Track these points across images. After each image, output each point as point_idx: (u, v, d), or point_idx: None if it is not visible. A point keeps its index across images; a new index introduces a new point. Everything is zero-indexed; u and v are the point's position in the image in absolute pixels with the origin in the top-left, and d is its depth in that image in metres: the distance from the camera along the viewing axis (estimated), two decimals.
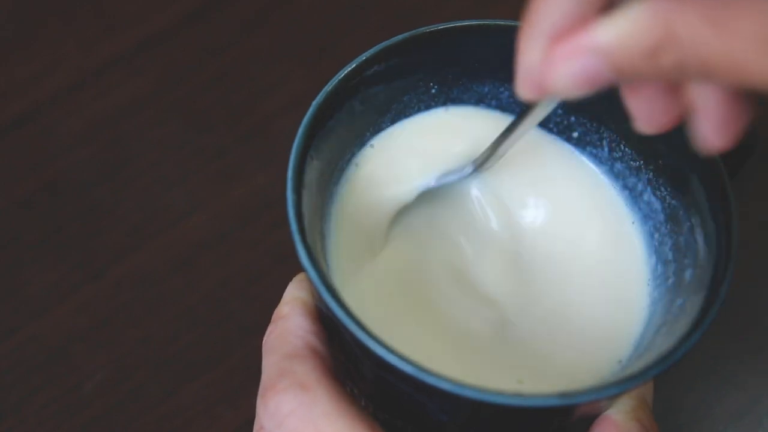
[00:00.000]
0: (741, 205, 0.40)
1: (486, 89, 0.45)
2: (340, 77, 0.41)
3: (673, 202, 0.42)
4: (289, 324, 0.39)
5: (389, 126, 0.44)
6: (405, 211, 0.43)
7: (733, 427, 0.52)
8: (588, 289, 0.42)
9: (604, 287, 0.43)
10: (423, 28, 0.42)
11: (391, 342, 0.35)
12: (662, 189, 0.43)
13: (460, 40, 0.43)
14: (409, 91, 0.44)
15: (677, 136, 0.41)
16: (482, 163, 0.42)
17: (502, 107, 0.45)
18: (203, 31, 0.64)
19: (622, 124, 0.43)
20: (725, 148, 0.33)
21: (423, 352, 0.38)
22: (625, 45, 0.30)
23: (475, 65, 0.44)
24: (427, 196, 0.44)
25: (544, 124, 0.45)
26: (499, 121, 0.45)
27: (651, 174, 0.43)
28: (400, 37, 0.42)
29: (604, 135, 0.44)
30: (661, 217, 0.43)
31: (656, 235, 0.43)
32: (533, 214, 0.44)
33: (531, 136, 0.45)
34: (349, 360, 0.39)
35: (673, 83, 0.32)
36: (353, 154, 0.43)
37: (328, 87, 0.40)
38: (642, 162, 0.43)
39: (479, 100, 0.45)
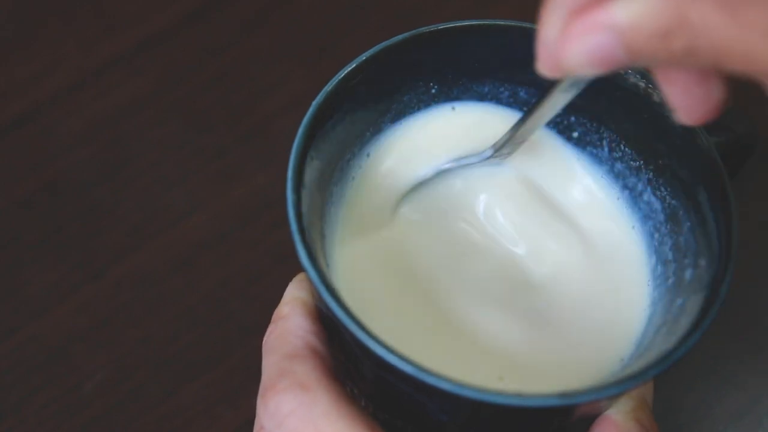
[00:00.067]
0: (741, 205, 0.40)
1: (486, 89, 0.45)
2: (340, 77, 0.41)
3: (673, 202, 0.42)
4: (289, 324, 0.39)
5: (392, 126, 0.44)
6: (410, 208, 0.43)
7: (733, 427, 0.52)
8: (588, 289, 0.42)
9: (604, 287, 0.43)
10: (423, 28, 0.42)
11: (392, 342, 0.35)
12: (662, 189, 0.43)
13: (460, 40, 0.43)
14: (409, 91, 0.44)
15: (677, 136, 0.41)
16: (501, 147, 0.42)
17: (502, 107, 0.45)
18: (203, 31, 0.64)
19: (622, 124, 0.43)
20: (696, 124, 0.33)
21: (423, 351, 0.38)
22: (638, 25, 0.30)
23: (475, 65, 0.44)
24: (433, 197, 0.44)
25: (544, 125, 0.45)
26: (506, 119, 0.45)
27: (651, 174, 0.43)
28: (400, 37, 0.42)
29: (604, 135, 0.44)
30: (661, 217, 0.43)
31: (656, 235, 0.43)
32: (534, 214, 0.44)
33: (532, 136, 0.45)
34: (349, 360, 0.39)
35: (684, 69, 0.32)
36: (353, 155, 0.43)
37: (328, 87, 0.40)
38: (642, 162, 0.43)
39: (479, 100, 0.45)
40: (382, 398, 0.40)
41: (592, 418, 0.39)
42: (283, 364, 0.38)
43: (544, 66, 0.34)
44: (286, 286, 0.41)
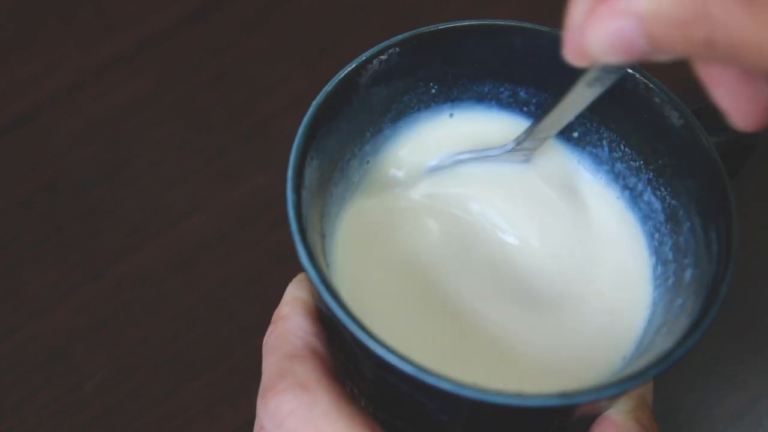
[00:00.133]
0: (741, 205, 0.40)
1: (486, 89, 0.45)
2: (340, 77, 0.41)
3: (673, 202, 0.42)
4: (289, 324, 0.39)
5: (392, 125, 0.44)
6: (410, 208, 0.44)
7: (733, 427, 0.52)
8: (588, 290, 0.42)
9: (605, 289, 0.43)
10: (423, 28, 0.42)
11: (392, 342, 0.35)
12: (662, 189, 0.43)
13: (460, 40, 0.43)
14: (409, 91, 0.44)
15: (677, 136, 0.41)
16: (522, 140, 0.42)
17: (502, 107, 0.45)
18: (203, 31, 0.64)
19: (622, 124, 0.43)
20: (752, 129, 0.33)
21: (423, 351, 0.38)
22: (659, 12, 0.30)
23: (475, 65, 0.44)
24: (434, 197, 0.44)
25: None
26: (504, 126, 0.45)
27: (651, 174, 0.43)
28: (400, 37, 0.42)
29: (604, 135, 0.44)
30: (661, 217, 0.43)
31: (656, 235, 0.43)
32: (534, 215, 0.44)
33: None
34: (349, 360, 0.39)
35: (704, 62, 0.32)
36: (353, 155, 0.43)
37: (328, 87, 0.40)
38: (642, 162, 0.43)
39: (479, 100, 0.45)
40: (382, 398, 0.40)
41: (592, 418, 0.39)
42: (283, 365, 0.38)
43: (569, 52, 0.34)
44: (286, 286, 0.41)
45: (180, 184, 0.58)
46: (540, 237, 0.44)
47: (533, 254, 0.43)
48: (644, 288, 0.42)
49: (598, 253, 0.43)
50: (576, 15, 0.33)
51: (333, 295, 0.36)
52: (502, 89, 0.45)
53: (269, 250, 0.56)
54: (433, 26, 0.42)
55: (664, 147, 0.42)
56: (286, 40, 0.64)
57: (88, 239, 0.56)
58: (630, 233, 0.44)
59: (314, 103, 0.40)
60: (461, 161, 0.44)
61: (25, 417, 0.52)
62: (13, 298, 0.55)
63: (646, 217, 0.44)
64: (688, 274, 0.40)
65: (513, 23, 0.43)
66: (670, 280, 0.41)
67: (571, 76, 0.43)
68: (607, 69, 0.36)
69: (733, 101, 0.33)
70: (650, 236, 0.43)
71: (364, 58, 0.41)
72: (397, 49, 0.42)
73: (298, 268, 0.38)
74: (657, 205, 0.43)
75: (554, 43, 0.42)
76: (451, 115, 0.45)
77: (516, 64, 0.43)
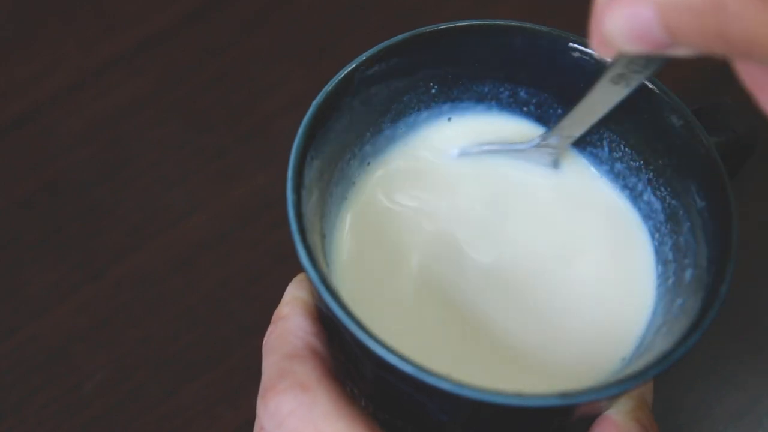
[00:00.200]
0: (741, 205, 0.40)
1: (486, 89, 0.45)
2: (340, 77, 0.41)
3: (673, 202, 0.42)
4: (289, 324, 0.39)
5: (392, 125, 0.44)
6: (411, 208, 0.44)
7: (733, 427, 0.52)
8: (588, 290, 0.42)
9: (605, 288, 0.43)
10: (423, 28, 0.42)
11: (392, 342, 0.35)
12: (662, 189, 0.43)
13: (460, 40, 0.43)
14: (409, 91, 0.44)
15: (677, 136, 0.41)
16: (548, 137, 0.42)
17: (502, 107, 0.45)
18: (203, 31, 0.64)
19: (622, 124, 0.43)
20: None
21: (423, 351, 0.38)
22: (675, 2, 0.30)
23: (475, 65, 0.44)
24: (435, 197, 0.44)
25: (545, 124, 0.45)
26: (502, 131, 0.45)
27: (651, 174, 0.43)
28: (400, 37, 0.42)
29: (604, 135, 0.44)
30: (661, 217, 0.43)
31: (656, 235, 0.43)
32: (534, 214, 0.44)
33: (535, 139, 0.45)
34: (349, 360, 0.39)
35: (720, 56, 0.32)
36: (354, 156, 0.43)
37: (328, 87, 0.40)
38: (642, 162, 0.43)
39: (479, 100, 0.45)
40: (382, 398, 0.40)
41: (592, 418, 0.39)
42: (283, 365, 0.38)
43: (593, 40, 0.34)
44: (286, 286, 0.41)
45: (180, 184, 0.58)
46: (540, 237, 0.44)
47: (533, 255, 0.43)
48: (644, 288, 0.42)
49: (598, 253, 0.43)
50: (600, 1, 0.33)
51: (333, 295, 0.36)
52: (502, 89, 0.45)
53: (269, 250, 0.56)
54: (433, 26, 0.42)
55: (664, 147, 0.42)
56: (286, 40, 0.64)
57: (88, 239, 0.56)
58: (630, 233, 0.44)
59: (314, 103, 0.40)
60: (488, 151, 0.44)
61: (25, 417, 0.52)
62: (13, 298, 0.55)
63: (646, 217, 0.44)
64: (688, 274, 0.40)
65: (513, 23, 0.43)
66: (670, 280, 0.41)
67: (571, 75, 0.43)
68: (631, 66, 0.36)
69: None
70: (650, 236, 0.43)
71: (364, 58, 0.41)
72: (397, 49, 0.42)
73: (298, 268, 0.38)
74: (657, 205, 0.43)
75: (554, 43, 0.43)
76: (450, 119, 0.45)
77: (516, 64, 0.43)
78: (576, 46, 0.42)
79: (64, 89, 0.61)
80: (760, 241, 0.57)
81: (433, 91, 0.44)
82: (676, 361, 0.36)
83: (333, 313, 0.36)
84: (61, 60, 0.62)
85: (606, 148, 0.44)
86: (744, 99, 0.36)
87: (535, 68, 0.43)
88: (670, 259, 0.42)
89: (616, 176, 0.44)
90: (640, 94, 0.42)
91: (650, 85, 0.41)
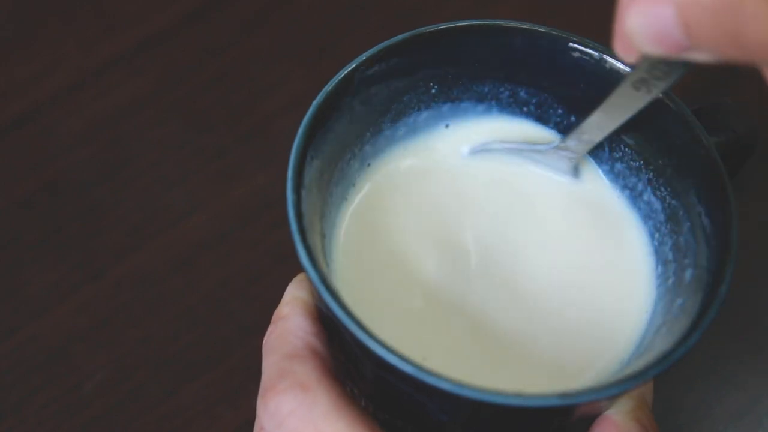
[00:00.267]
0: (741, 205, 0.40)
1: (486, 89, 0.45)
2: (340, 77, 0.41)
3: (673, 202, 0.42)
4: (289, 324, 0.39)
5: (392, 126, 0.44)
6: (412, 206, 0.44)
7: (733, 427, 0.52)
8: (588, 290, 0.42)
9: (605, 288, 0.43)
10: (423, 28, 0.42)
11: (392, 342, 0.35)
12: (662, 189, 0.43)
13: (460, 40, 0.43)
14: (409, 91, 0.44)
15: (677, 136, 0.41)
16: (566, 139, 0.42)
17: (501, 107, 0.45)
18: (203, 31, 0.64)
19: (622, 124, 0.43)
20: None
21: (423, 351, 0.38)
22: (694, 1, 0.30)
23: (475, 65, 0.44)
24: (437, 197, 0.44)
25: (545, 124, 0.45)
26: (501, 135, 0.45)
27: (651, 174, 0.43)
28: (400, 37, 0.42)
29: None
30: (661, 217, 0.43)
31: (656, 235, 0.43)
32: (534, 214, 0.44)
33: (536, 139, 0.45)
34: (349, 360, 0.39)
35: (738, 62, 0.32)
36: (354, 156, 0.43)
37: (328, 87, 0.40)
38: (642, 162, 0.43)
39: (479, 100, 0.45)
40: (382, 398, 0.40)
41: (592, 418, 0.39)
42: (283, 365, 0.38)
43: (616, 41, 0.34)
44: (286, 286, 0.41)
45: (180, 184, 0.58)
46: (540, 238, 0.44)
47: (533, 255, 0.43)
48: (644, 288, 0.42)
49: (598, 254, 0.43)
50: (623, 1, 0.33)
51: (333, 295, 0.36)
52: (502, 89, 0.45)
53: (269, 250, 0.56)
54: (433, 26, 0.42)
55: (664, 147, 0.42)
56: (286, 40, 0.64)
57: (88, 239, 0.56)
58: (630, 233, 0.44)
59: (314, 103, 0.40)
60: (502, 151, 0.44)
61: (25, 417, 0.52)
62: (13, 298, 0.55)
63: (646, 217, 0.44)
64: (688, 274, 0.40)
65: (513, 23, 0.43)
66: (670, 280, 0.41)
67: (571, 75, 0.43)
68: (653, 71, 0.36)
69: None
70: (650, 236, 0.43)
71: (364, 58, 0.41)
72: (397, 49, 0.42)
73: (298, 268, 0.38)
74: (657, 205, 0.43)
75: (554, 43, 0.43)
76: (447, 125, 0.45)
77: (516, 64, 0.43)
78: (576, 46, 0.42)
79: (64, 89, 0.61)
80: (760, 241, 0.57)
81: (433, 91, 0.44)
82: (676, 361, 0.36)
83: (333, 313, 0.36)
84: (61, 60, 0.62)
85: (606, 148, 0.44)
86: (744, 99, 0.36)
87: (535, 68, 0.43)
88: (670, 259, 0.42)
89: (616, 176, 0.44)
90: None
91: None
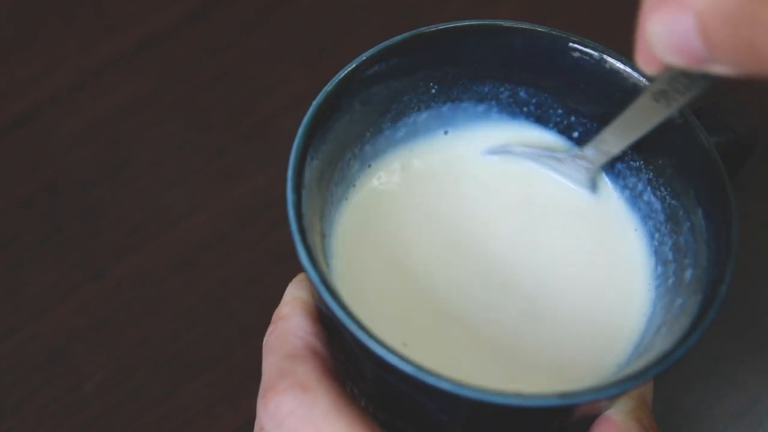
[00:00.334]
0: (741, 205, 0.40)
1: (486, 89, 0.45)
2: (340, 77, 0.41)
3: (673, 202, 0.42)
4: (290, 324, 0.39)
5: (392, 126, 0.44)
6: (412, 207, 0.44)
7: (733, 427, 0.52)
8: (588, 290, 0.42)
9: (605, 288, 0.43)
10: (423, 28, 0.42)
11: (392, 342, 0.35)
12: (662, 189, 0.43)
13: (460, 40, 0.43)
14: (409, 91, 0.44)
15: (677, 136, 0.41)
16: (585, 148, 0.42)
17: (501, 107, 0.45)
18: (203, 31, 0.64)
19: None
20: None
21: (423, 351, 0.38)
22: (714, 7, 0.30)
23: (475, 65, 0.44)
24: (438, 197, 0.44)
25: (545, 125, 0.45)
26: (500, 141, 0.45)
27: (651, 174, 0.43)
28: (400, 37, 0.42)
29: None
30: (661, 217, 0.43)
31: (656, 235, 0.43)
32: (534, 213, 0.44)
33: (536, 139, 0.45)
34: (349, 360, 0.39)
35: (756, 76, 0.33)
36: (354, 156, 0.43)
37: (328, 87, 0.40)
38: (642, 162, 0.43)
39: (479, 100, 0.45)
40: (382, 398, 0.40)
41: (592, 418, 0.39)
42: (283, 365, 0.38)
43: (637, 53, 0.34)
44: (286, 286, 0.41)
45: (180, 184, 0.58)
46: (540, 239, 0.44)
47: (534, 255, 0.43)
48: (644, 288, 0.42)
49: (598, 254, 0.43)
50: (644, 9, 0.33)
51: (333, 295, 0.36)
52: (502, 89, 0.45)
53: (269, 250, 0.56)
54: (433, 26, 0.42)
55: (664, 147, 0.42)
56: (286, 40, 0.64)
57: (88, 239, 0.56)
58: (630, 233, 0.44)
59: (314, 103, 0.40)
60: (524, 153, 0.44)
61: (25, 417, 0.52)
62: (13, 298, 0.55)
63: (646, 217, 0.44)
64: (688, 274, 0.40)
65: (513, 23, 0.43)
66: (670, 280, 0.41)
67: (571, 75, 0.43)
68: (673, 83, 0.36)
69: None
70: (650, 236, 0.43)
71: (364, 58, 0.41)
72: (397, 49, 0.42)
73: (298, 268, 0.38)
74: (657, 205, 0.43)
75: (554, 43, 0.43)
76: (446, 132, 0.45)
77: (516, 64, 0.43)
78: (576, 46, 0.42)
79: (64, 89, 0.61)
80: (760, 241, 0.57)
81: (433, 91, 0.44)
82: (676, 361, 0.36)
83: (333, 313, 0.36)
84: (61, 60, 0.62)
85: None
86: (744, 99, 0.36)
87: (535, 68, 0.43)
88: (670, 259, 0.42)
89: (616, 176, 0.44)
90: (640, 94, 0.42)
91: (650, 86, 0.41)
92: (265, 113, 0.61)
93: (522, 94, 0.45)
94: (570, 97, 0.44)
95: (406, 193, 0.44)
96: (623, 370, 0.39)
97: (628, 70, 0.42)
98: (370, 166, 0.44)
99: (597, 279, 0.43)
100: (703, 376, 0.53)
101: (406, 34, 0.42)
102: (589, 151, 0.43)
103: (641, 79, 0.42)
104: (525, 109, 0.45)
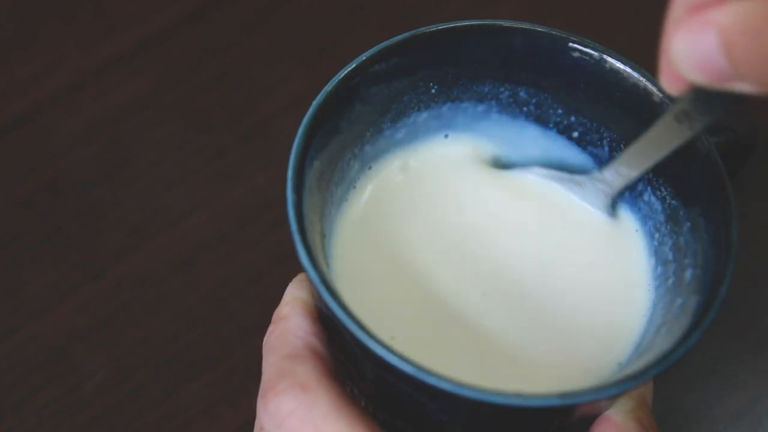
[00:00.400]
0: (741, 205, 0.40)
1: (486, 89, 0.45)
2: (340, 77, 0.41)
3: (673, 202, 0.42)
4: (290, 324, 0.39)
5: (392, 126, 0.44)
6: (413, 207, 0.44)
7: (733, 427, 0.52)
8: (588, 291, 0.42)
9: (605, 288, 0.43)
10: (423, 28, 0.42)
11: (392, 342, 0.35)
12: (662, 189, 0.43)
13: (460, 40, 0.43)
14: (409, 91, 0.44)
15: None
16: (604, 170, 0.42)
17: (501, 107, 0.45)
18: (203, 31, 0.64)
19: (622, 124, 0.43)
20: None
21: (424, 351, 0.38)
22: (738, 24, 0.30)
23: (475, 65, 0.44)
24: (439, 197, 0.44)
25: (545, 125, 0.45)
26: (500, 145, 0.45)
27: (651, 174, 0.43)
28: (400, 37, 0.42)
29: (605, 135, 0.44)
30: (661, 217, 0.43)
31: (656, 235, 0.43)
32: (537, 217, 0.44)
33: (535, 140, 0.45)
34: (349, 360, 0.39)
35: None
36: (354, 156, 0.43)
37: (328, 87, 0.40)
38: None
39: (479, 100, 0.45)
40: (382, 398, 0.40)
41: (592, 418, 0.39)
42: (283, 365, 0.38)
43: (661, 72, 0.34)
44: (286, 286, 0.41)
45: (180, 184, 0.58)
46: (541, 239, 0.44)
47: (533, 255, 0.43)
48: (644, 288, 0.42)
49: (598, 253, 0.43)
50: (668, 27, 0.33)
51: (333, 295, 0.36)
52: (502, 89, 0.45)
53: (269, 250, 0.56)
54: (433, 26, 0.42)
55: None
56: (286, 40, 0.64)
57: (88, 239, 0.56)
58: (630, 233, 0.44)
59: (314, 103, 0.40)
60: (543, 175, 0.44)
61: (25, 417, 0.52)
62: (13, 298, 0.55)
63: (646, 217, 0.44)
64: (688, 274, 0.40)
65: (513, 23, 0.43)
66: (670, 280, 0.41)
67: (571, 75, 0.43)
68: (696, 104, 0.36)
69: None
70: (650, 236, 0.43)
71: (364, 58, 0.41)
72: (397, 49, 0.42)
73: (298, 268, 0.38)
74: (657, 205, 0.43)
75: (554, 43, 0.43)
76: (446, 136, 0.45)
77: (516, 64, 0.43)
78: (576, 46, 0.42)
79: (64, 89, 0.61)
80: (760, 241, 0.57)
81: (433, 91, 0.44)
82: (676, 361, 0.36)
83: (333, 313, 0.36)
84: (61, 60, 0.62)
85: (606, 148, 0.44)
86: (744, 100, 0.36)
87: (535, 68, 0.43)
88: (670, 259, 0.42)
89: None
90: (640, 94, 0.42)
91: (650, 86, 0.41)
92: (265, 113, 0.61)
93: (522, 94, 0.45)
94: (570, 97, 0.44)
95: (406, 193, 0.44)
96: (623, 370, 0.39)
97: (628, 70, 0.42)
98: (371, 167, 0.44)
99: (597, 279, 0.43)
100: (703, 376, 0.53)
101: (406, 34, 0.42)
102: (608, 173, 0.42)
103: (641, 79, 0.42)
104: (525, 109, 0.45)
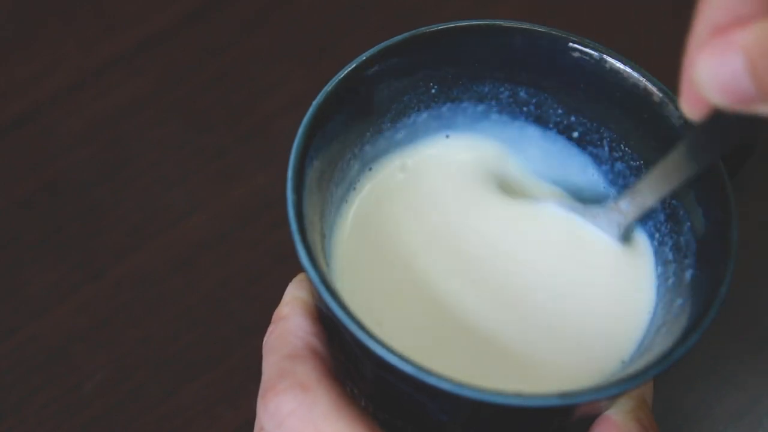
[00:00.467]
0: (741, 205, 0.40)
1: (486, 89, 0.45)
2: (340, 77, 0.41)
3: (673, 202, 0.42)
4: (290, 324, 0.39)
5: (392, 126, 0.44)
6: (413, 207, 0.44)
7: (733, 427, 0.52)
8: (588, 290, 0.42)
9: (605, 289, 0.42)
10: (423, 28, 0.42)
11: (392, 342, 0.35)
12: None
13: (460, 40, 0.43)
14: (409, 91, 0.44)
15: (677, 135, 0.41)
16: (619, 199, 0.42)
17: (501, 107, 0.45)
18: (203, 31, 0.64)
19: (622, 124, 0.43)
20: None
21: (423, 351, 0.38)
22: (762, 45, 0.30)
23: (475, 65, 0.44)
24: (440, 197, 0.44)
25: (545, 125, 0.45)
26: (498, 147, 0.45)
27: None
28: (400, 37, 0.42)
29: (605, 135, 0.44)
30: (661, 217, 0.43)
31: (656, 235, 0.43)
32: (537, 218, 0.44)
33: (536, 139, 0.45)
34: (349, 360, 0.39)
35: None
36: (354, 156, 0.43)
37: (328, 87, 0.40)
38: (642, 162, 0.43)
39: (479, 100, 0.45)
40: (382, 398, 0.40)
41: (592, 418, 0.39)
42: (283, 365, 0.38)
43: (682, 97, 0.33)
44: (286, 286, 0.41)
45: (180, 184, 0.58)
46: (540, 239, 0.44)
47: (534, 256, 0.43)
48: (644, 289, 0.42)
49: (598, 254, 0.43)
50: (692, 43, 0.32)
51: (333, 295, 0.36)
52: (502, 89, 0.45)
53: (269, 250, 0.56)
54: (433, 26, 0.42)
55: (664, 147, 0.42)
56: (286, 40, 0.64)
57: (88, 239, 0.56)
58: (630, 233, 0.44)
59: (314, 103, 0.40)
60: (559, 206, 0.44)
61: (25, 417, 0.52)
62: (13, 298, 0.55)
63: (646, 217, 0.44)
64: (688, 274, 0.40)
65: (513, 23, 0.43)
66: (670, 281, 0.41)
67: (571, 75, 0.43)
68: (714, 131, 0.35)
69: None
70: (650, 236, 0.43)
71: (363, 58, 0.41)
72: (397, 49, 0.42)
73: (298, 268, 0.38)
74: (657, 205, 0.43)
75: (554, 43, 0.43)
76: (447, 136, 0.45)
77: (516, 64, 0.43)
78: (576, 46, 0.42)
79: (64, 89, 0.61)
80: (760, 241, 0.57)
81: (433, 91, 0.44)
82: (676, 361, 0.36)
83: (333, 313, 0.36)
84: (61, 60, 0.62)
85: (606, 148, 0.44)
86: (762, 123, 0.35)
87: (535, 68, 0.43)
88: (670, 259, 0.42)
89: (616, 176, 0.44)
90: (640, 94, 0.42)
91: (650, 86, 0.41)
92: (265, 113, 0.61)
93: (522, 94, 0.45)
94: (570, 97, 0.44)
95: (406, 194, 0.44)
96: (623, 370, 0.39)
97: (628, 70, 0.42)
98: (371, 168, 0.44)
99: (597, 280, 0.43)
100: (703, 376, 0.53)
101: (406, 34, 0.42)
102: (623, 203, 0.42)
103: (641, 79, 0.42)
104: (525, 109, 0.45)
